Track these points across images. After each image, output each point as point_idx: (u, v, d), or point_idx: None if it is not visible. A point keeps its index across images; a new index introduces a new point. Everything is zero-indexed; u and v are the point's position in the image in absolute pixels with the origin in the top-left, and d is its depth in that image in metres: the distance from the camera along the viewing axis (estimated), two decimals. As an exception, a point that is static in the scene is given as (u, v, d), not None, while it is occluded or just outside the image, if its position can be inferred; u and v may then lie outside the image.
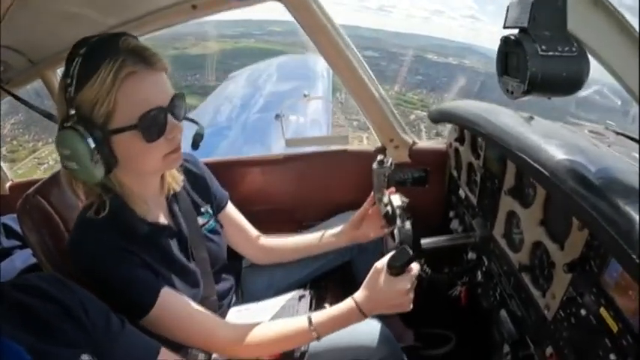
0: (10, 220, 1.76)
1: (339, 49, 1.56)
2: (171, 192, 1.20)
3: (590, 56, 0.69)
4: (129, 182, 1.07)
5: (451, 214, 1.74)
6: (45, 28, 1.11)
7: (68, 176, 1.05)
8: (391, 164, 1.41)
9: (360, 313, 1.05)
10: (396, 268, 1.03)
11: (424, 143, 1.80)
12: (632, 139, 1.23)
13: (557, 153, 0.88)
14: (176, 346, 1.01)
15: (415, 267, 1.06)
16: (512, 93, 0.75)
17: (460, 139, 1.57)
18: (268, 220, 1.53)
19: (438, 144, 1.80)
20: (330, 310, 1.08)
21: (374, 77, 1.66)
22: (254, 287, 1.49)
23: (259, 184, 1.84)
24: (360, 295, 1.07)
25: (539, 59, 0.67)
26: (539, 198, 1.04)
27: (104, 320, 0.79)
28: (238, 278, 1.52)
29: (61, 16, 1.11)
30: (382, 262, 1.05)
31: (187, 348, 1.10)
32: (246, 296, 1.47)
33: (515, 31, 0.72)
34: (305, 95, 1.75)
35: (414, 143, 1.77)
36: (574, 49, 0.68)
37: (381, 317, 1.36)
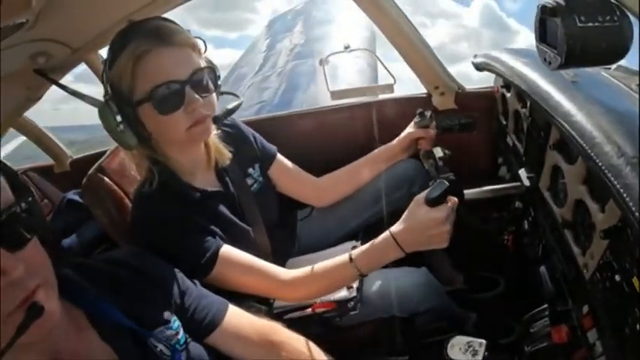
0: (74, 195, 1.92)
1: None
2: (220, 165, 1.28)
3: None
4: (173, 153, 1.18)
5: (500, 160, 1.71)
6: (80, 16, 1.14)
7: (125, 151, 1.19)
8: (431, 116, 1.41)
9: (397, 246, 1.06)
10: (434, 199, 1.04)
11: (471, 89, 1.74)
12: None
13: (599, 123, 0.84)
14: (238, 299, 1.09)
15: (453, 199, 1.06)
16: (549, 63, 0.71)
17: (507, 86, 1.50)
18: (322, 171, 1.57)
19: (485, 89, 1.73)
20: (368, 245, 1.11)
21: (412, 23, 1.59)
22: (310, 239, 1.56)
23: (308, 137, 1.88)
24: (396, 226, 1.08)
25: (577, 31, 0.63)
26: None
27: (183, 286, 0.93)
28: (294, 232, 1.61)
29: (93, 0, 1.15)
30: (421, 195, 1.07)
31: (248, 301, 1.19)
32: (302, 248, 1.54)
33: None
34: (346, 47, 1.70)
35: (461, 89, 1.71)
36: (616, 17, 0.63)
37: (431, 264, 1.43)
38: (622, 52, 0.65)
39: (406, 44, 1.61)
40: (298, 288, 1.15)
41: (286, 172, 1.49)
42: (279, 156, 1.49)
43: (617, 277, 0.83)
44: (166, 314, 0.85)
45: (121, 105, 1.07)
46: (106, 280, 0.83)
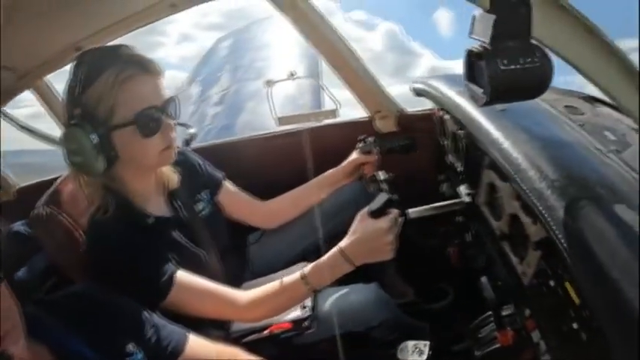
0: (21, 226, 1.80)
1: (315, 23, 1.57)
2: (167, 188, 1.32)
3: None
4: (130, 178, 1.20)
5: (441, 177, 1.83)
6: (29, 41, 1.14)
7: (77, 178, 1.18)
8: (374, 141, 1.50)
9: (346, 259, 1.12)
10: (376, 211, 1.13)
11: (412, 111, 1.85)
12: (609, 105, 1.26)
13: (524, 149, 0.95)
14: (196, 325, 1.11)
15: (394, 211, 1.14)
16: (476, 101, 0.80)
17: (444, 109, 1.62)
18: (267, 197, 1.62)
19: (425, 111, 1.86)
20: (318, 261, 1.16)
21: (354, 49, 1.68)
22: (262, 262, 1.61)
23: (254, 163, 1.91)
24: (344, 241, 1.14)
25: (500, 73, 0.71)
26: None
27: (143, 317, 0.94)
28: (246, 256, 1.65)
29: (42, 27, 1.15)
30: (364, 209, 1.15)
31: (206, 327, 1.20)
32: (255, 272, 1.58)
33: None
34: (291, 75, 1.76)
35: (402, 112, 1.82)
36: (536, 59, 0.71)
37: (381, 279, 1.49)
38: (543, 88, 0.74)
39: (347, 70, 1.70)
40: (255, 309, 1.18)
41: (233, 198, 1.54)
42: (227, 182, 1.54)
43: (552, 283, 0.93)
44: (130, 346, 0.86)
45: (94, 128, 1.07)
46: (68, 315, 0.83)
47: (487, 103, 0.75)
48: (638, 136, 1.02)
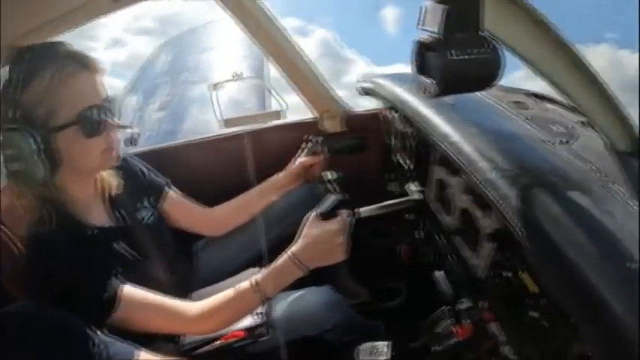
0: None
1: (261, 23, 1.52)
2: (108, 195, 1.23)
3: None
4: (69, 185, 1.11)
5: (389, 176, 1.83)
6: None
7: (13, 190, 1.07)
8: (322, 141, 1.48)
9: (297, 264, 1.08)
10: (325, 213, 1.10)
11: (360, 110, 1.85)
12: (554, 101, 1.32)
13: (475, 142, 0.96)
14: (145, 339, 1.04)
15: (344, 211, 1.13)
16: (427, 92, 0.79)
17: (392, 107, 1.63)
18: (214, 201, 1.55)
19: (372, 111, 1.86)
20: (269, 268, 1.12)
21: (302, 49, 1.65)
22: (210, 270, 1.53)
23: (198, 168, 1.83)
24: (295, 245, 1.11)
25: (451, 63, 0.71)
26: (465, 168, 1.12)
27: (88, 335, 0.87)
28: (192, 264, 1.57)
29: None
30: (313, 212, 1.13)
31: (156, 341, 1.13)
32: (203, 280, 1.48)
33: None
34: (235, 76, 1.70)
35: (350, 111, 1.82)
36: (486, 49, 0.72)
37: (334, 281, 1.47)
38: (492, 79, 0.74)
39: (294, 70, 1.65)
40: (206, 321, 1.12)
41: (178, 205, 1.46)
42: (170, 188, 1.46)
43: (507, 274, 0.95)
44: None
45: (35, 131, 0.98)
46: (5, 335, 0.78)
47: (439, 94, 0.75)
48: (584, 129, 1.07)
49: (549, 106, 1.28)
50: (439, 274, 1.29)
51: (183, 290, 1.34)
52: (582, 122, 1.10)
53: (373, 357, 1.03)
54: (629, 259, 0.63)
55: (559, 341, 0.77)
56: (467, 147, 0.97)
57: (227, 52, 4.18)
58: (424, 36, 0.76)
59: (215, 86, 1.72)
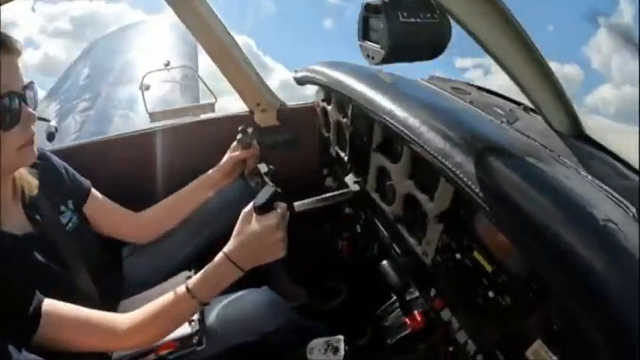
0: None
1: (198, 11, 1.40)
2: (27, 198, 1.07)
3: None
4: None
5: (325, 172, 1.78)
6: None
7: None
8: (253, 132, 1.39)
9: (233, 265, 0.98)
10: (261, 206, 0.99)
11: (293, 104, 1.78)
12: (492, 93, 1.33)
13: (420, 115, 0.92)
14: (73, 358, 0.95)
15: (281, 204, 1.02)
16: (372, 58, 0.74)
17: (327, 99, 1.58)
18: (142, 202, 1.40)
19: (306, 104, 1.80)
20: (203, 271, 1.01)
21: (235, 39, 1.55)
22: (139, 276, 1.39)
23: (124, 166, 1.66)
24: (229, 245, 1.00)
25: (400, 26, 0.67)
26: (407, 153, 1.09)
27: (6, 356, 0.80)
28: (120, 271, 1.43)
29: None
30: (248, 207, 1.01)
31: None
32: (133, 288, 1.36)
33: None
34: (166, 65, 1.57)
35: (283, 105, 1.74)
36: (435, 15, 0.68)
37: (271, 283, 1.38)
38: (441, 48, 0.71)
39: (228, 61, 1.55)
40: (139, 334, 1.00)
41: (102, 209, 1.31)
42: (94, 191, 1.30)
43: (458, 256, 0.92)
44: None
45: None
46: None
47: (384, 60, 0.70)
48: (524, 112, 1.08)
49: (488, 94, 1.30)
50: (386, 265, 1.24)
51: (112, 301, 1.23)
52: (521, 108, 1.11)
53: (328, 355, 0.95)
54: (597, 216, 0.63)
55: (519, 317, 0.75)
56: (413, 120, 0.93)
57: (155, 51, 4.04)
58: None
59: (144, 79, 1.59)
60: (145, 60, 3.98)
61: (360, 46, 0.77)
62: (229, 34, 1.51)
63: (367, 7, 0.72)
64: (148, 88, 1.57)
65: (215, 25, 1.45)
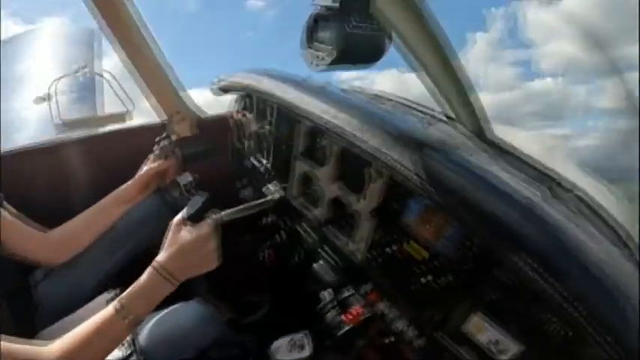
0: None
1: (121, 15, 1.31)
2: None
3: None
4: None
5: (238, 184, 1.76)
6: None
7: None
8: (167, 144, 1.35)
9: (166, 276, 0.94)
10: (193, 215, 0.97)
11: (210, 115, 1.76)
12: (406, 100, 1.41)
13: (355, 116, 0.99)
14: None
15: (213, 213, 1.01)
16: (317, 65, 0.80)
17: (246, 108, 1.58)
18: (54, 219, 1.27)
19: (221, 115, 1.78)
20: (133, 287, 0.94)
21: (156, 41, 1.44)
22: (58, 300, 1.26)
23: (29, 180, 1.50)
24: (160, 257, 0.96)
25: (347, 34, 0.74)
26: (333, 156, 1.14)
27: None
28: (35, 296, 1.27)
29: None
30: (178, 217, 0.99)
31: None
32: (51, 313, 1.21)
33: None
34: (76, 71, 1.42)
35: (201, 114, 1.70)
36: (377, 26, 0.77)
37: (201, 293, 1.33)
38: (380, 53, 0.80)
39: (145, 65, 1.46)
40: None
41: (10, 227, 1.15)
42: (2, 206, 1.16)
43: (391, 249, 0.99)
44: None
45: None
46: None
47: (331, 63, 0.76)
48: (441, 117, 1.19)
49: (405, 101, 1.41)
50: (319, 266, 1.27)
51: (28, 331, 1.09)
52: (437, 113, 1.24)
53: (294, 354, 0.94)
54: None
55: (456, 295, 0.83)
56: (349, 121, 1.00)
57: (52, 60, 3.63)
58: (318, 10, 0.78)
59: (51, 87, 1.43)
60: (41, 68, 3.63)
61: (303, 53, 0.82)
62: (146, 39, 1.42)
63: (316, 17, 0.79)
64: (50, 97, 1.42)
65: (133, 30, 1.37)
